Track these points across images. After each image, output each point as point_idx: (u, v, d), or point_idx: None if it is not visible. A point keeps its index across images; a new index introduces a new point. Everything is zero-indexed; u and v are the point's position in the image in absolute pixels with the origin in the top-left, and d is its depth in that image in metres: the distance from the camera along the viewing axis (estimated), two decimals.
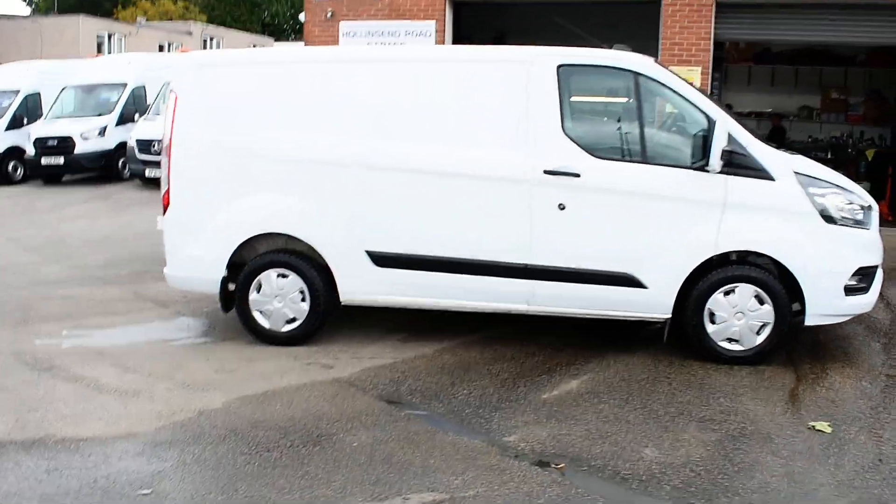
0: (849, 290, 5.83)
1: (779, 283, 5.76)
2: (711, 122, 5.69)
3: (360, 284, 6.25)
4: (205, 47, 34.94)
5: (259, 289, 6.34)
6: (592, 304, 6.01)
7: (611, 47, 6.16)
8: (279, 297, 6.32)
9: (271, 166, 6.24)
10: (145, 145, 16.31)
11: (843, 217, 5.81)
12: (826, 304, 5.81)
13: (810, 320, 5.85)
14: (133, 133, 16.70)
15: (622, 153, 5.93)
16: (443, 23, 13.56)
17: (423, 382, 5.58)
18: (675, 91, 5.87)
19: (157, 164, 16.28)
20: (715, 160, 5.58)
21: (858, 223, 5.87)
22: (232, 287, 6.47)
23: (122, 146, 17.24)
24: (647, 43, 11.17)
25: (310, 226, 6.23)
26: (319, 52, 6.22)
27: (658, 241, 5.83)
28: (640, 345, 6.37)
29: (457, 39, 13.84)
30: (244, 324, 6.46)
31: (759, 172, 5.75)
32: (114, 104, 17.72)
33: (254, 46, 37.89)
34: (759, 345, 5.86)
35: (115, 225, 12.97)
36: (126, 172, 17.59)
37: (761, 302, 5.81)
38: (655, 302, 5.91)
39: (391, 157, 6.07)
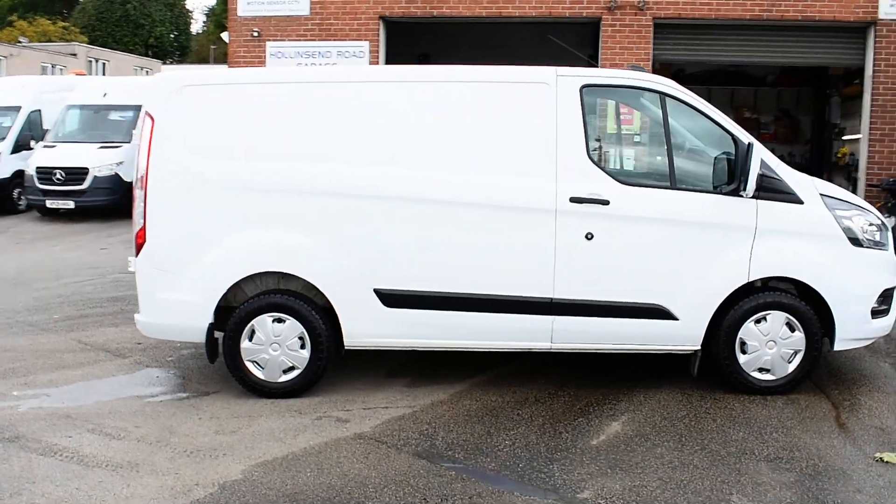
0: (874, 313, 5.74)
1: (811, 310, 5.60)
2: (741, 145, 5.50)
3: (367, 327, 5.70)
4: (90, 69, 33.03)
5: (251, 336, 5.69)
6: (621, 338, 5.68)
7: (627, 68, 5.89)
8: (275, 345, 5.69)
9: (268, 198, 5.62)
10: (46, 174, 15.06)
11: (867, 238, 5.72)
12: (855, 329, 5.70)
13: (839, 345, 5.73)
14: (31, 161, 15.41)
15: (650, 178, 5.66)
16: (376, 43, 13.13)
17: (456, 434, 5.09)
18: (702, 112, 5.64)
19: (59, 195, 15.16)
20: (752, 185, 5.37)
21: (878, 244, 5.79)
22: (218, 335, 5.80)
23: (19, 175, 15.84)
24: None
25: (313, 264, 5.64)
26: (321, 73, 5.67)
27: (689, 270, 5.57)
28: (660, 378, 6.09)
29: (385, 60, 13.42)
30: (235, 375, 5.78)
31: (789, 196, 5.59)
32: (7, 130, 16.28)
33: (141, 69, 36.23)
34: (791, 373, 5.68)
35: (25, 262, 11.77)
36: (22, 204, 16.22)
37: (792, 329, 5.63)
38: (686, 334, 5.64)
39: (401, 185, 5.58)
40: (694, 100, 5.66)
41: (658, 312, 5.58)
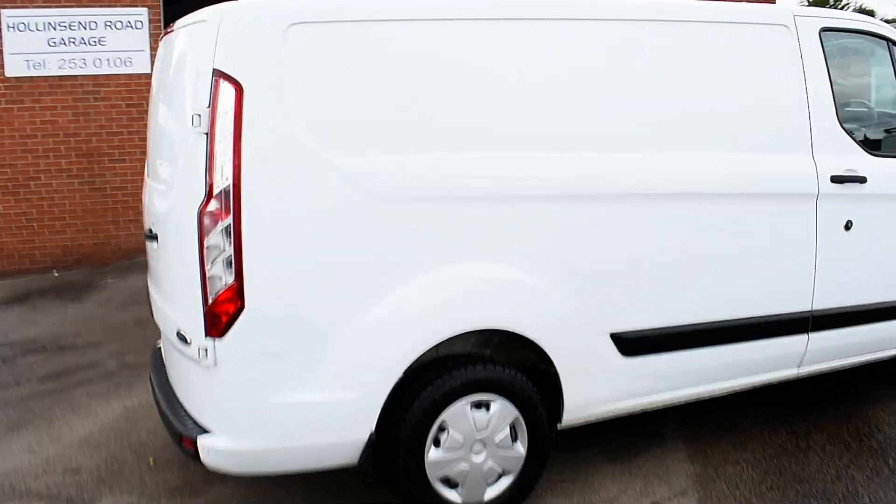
0: None
1: None
2: None
3: (599, 389, 3.80)
4: None
5: (438, 440, 3.46)
6: (868, 348, 4.52)
7: None
8: (479, 445, 3.53)
9: (467, 213, 3.41)
10: None
11: None
12: None
13: None
14: None
15: (891, 146, 4.53)
16: (158, 10, 10.13)
17: None
18: None
19: None
20: None
21: None
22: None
23: None
24: None
25: (534, 310, 3.57)
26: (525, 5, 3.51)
27: None
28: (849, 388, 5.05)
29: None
30: None
31: None
32: None
33: None
34: None
35: None
36: None
37: None
38: None
39: (630, 177, 3.75)
40: None
41: None
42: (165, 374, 4.10)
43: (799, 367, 4.32)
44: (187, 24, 3.49)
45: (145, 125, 9.69)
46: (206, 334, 3.19)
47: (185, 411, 3.57)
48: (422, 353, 3.37)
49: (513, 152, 3.50)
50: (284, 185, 3.15)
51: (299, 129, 3.16)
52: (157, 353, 4.47)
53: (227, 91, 3.10)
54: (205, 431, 3.35)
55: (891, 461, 4.05)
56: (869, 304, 4.38)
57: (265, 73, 3.14)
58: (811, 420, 4.60)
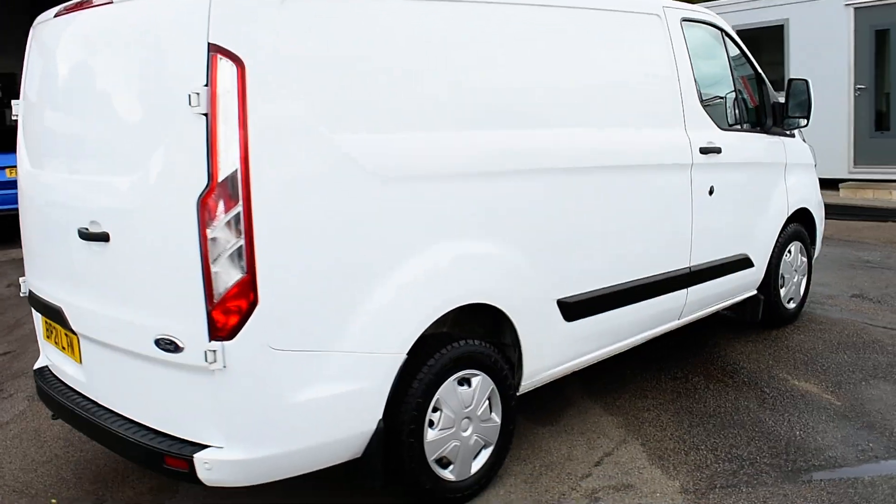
0: None
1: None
2: (764, 85, 5.55)
3: (549, 355, 4.05)
4: None
5: (431, 421, 3.48)
6: (723, 297, 5.27)
7: None
8: (466, 421, 3.61)
9: (454, 190, 3.46)
10: None
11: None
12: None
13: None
14: None
15: (730, 121, 5.24)
16: None
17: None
18: (743, 50, 5.44)
19: None
20: (805, 122, 5.51)
21: None
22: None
23: None
24: None
25: (507, 282, 3.73)
26: None
27: (757, 213, 5.43)
28: (692, 338, 5.79)
29: None
30: (412, 490, 3.48)
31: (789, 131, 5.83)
32: None
33: None
34: (803, 296, 6.08)
35: None
36: None
37: (803, 255, 5.99)
38: (756, 279, 5.53)
39: (568, 153, 4.02)
40: (736, 36, 5.43)
41: (744, 262, 5.33)
42: (76, 394, 3.65)
43: (679, 318, 4.91)
44: None
45: None
46: (211, 337, 2.91)
47: (148, 429, 3.24)
48: (421, 332, 3.36)
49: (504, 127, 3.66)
50: (292, 168, 2.98)
51: (301, 108, 3.01)
52: (47, 375, 3.93)
53: (226, 68, 2.85)
54: (197, 446, 3.06)
55: (767, 389, 4.75)
56: (725, 259, 5.09)
57: (265, 47, 2.93)
58: (680, 366, 5.22)
